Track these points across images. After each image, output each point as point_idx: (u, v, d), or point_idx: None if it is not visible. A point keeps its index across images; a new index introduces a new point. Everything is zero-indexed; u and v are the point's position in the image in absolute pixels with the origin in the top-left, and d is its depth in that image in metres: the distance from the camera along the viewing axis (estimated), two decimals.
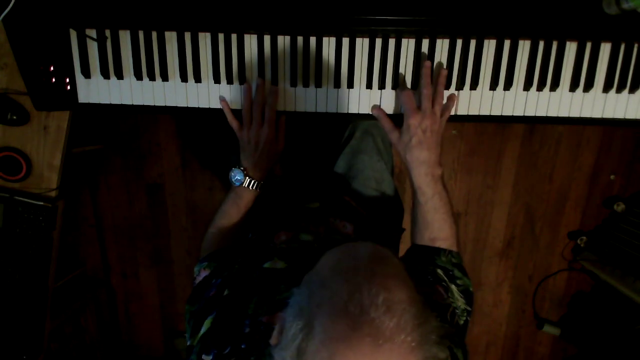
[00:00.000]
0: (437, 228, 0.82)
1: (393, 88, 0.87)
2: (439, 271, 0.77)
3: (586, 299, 2.02)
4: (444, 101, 0.85)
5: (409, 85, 0.87)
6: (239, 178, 0.86)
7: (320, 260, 0.54)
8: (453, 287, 0.76)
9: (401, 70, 0.86)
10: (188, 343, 0.69)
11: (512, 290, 2.04)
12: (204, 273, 0.82)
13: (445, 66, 0.86)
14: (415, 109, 0.81)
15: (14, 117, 1.00)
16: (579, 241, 1.89)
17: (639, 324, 1.75)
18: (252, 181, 0.87)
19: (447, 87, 0.87)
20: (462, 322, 0.72)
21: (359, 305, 0.45)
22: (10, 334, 1.17)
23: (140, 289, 2.04)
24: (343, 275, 0.49)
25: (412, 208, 0.86)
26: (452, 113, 0.88)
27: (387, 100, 0.88)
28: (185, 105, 0.90)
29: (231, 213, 0.89)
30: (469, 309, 0.75)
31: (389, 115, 0.88)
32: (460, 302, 0.74)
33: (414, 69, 0.86)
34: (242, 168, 0.87)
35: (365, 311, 0.45)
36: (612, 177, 1.86)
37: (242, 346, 0.61)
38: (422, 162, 0.81)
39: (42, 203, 1.07)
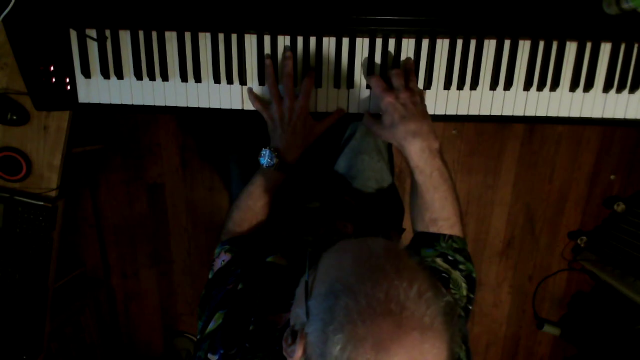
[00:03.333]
0: (438, 207, 0.77)
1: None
2: (438, 260, 0.74)
3: (586, 299, 2.02)
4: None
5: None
6: (268, 160, 0.81)
7: (324, 267, 0.53)
8: (456, 273, 0.73)
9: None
10: (197, 337, 0.69)
11: (512, 290, 2.04)
12: (225, 257, 0.79)
13: (445, 66, 0.85)
14: (387, 88, 0.78)
15: (14, 117, 1.00)
16: (579, 241, 1.89)
17: (639, 324, 1.75)
18: (283, 163, 0.81)
19: (448, 87, 0.87)
20: (462, 309, 0.71)
21: (398, 303, 0.46)
22: (10, 334, 1.17)
23: (140, 289, 2.04)
24: (372, 277, 0.48)
25: (410, 190, 0.82)
26: (453, 113, 0.88)
27: None
28: (185, 105, 0.90)
29: (257, 194, 0.84)
30: (471, 295, 0.73)
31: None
32: (463, 289, 0.73)
33: (413, 69, 0.86)
34: (272, 149, 0.81)
35: (405, 307, 0.46)
36: (612, 177, 1.86)
37: (246, 345, 0.61)
38: (413, 134, 0.73)
39: (42, 203, 1.07)
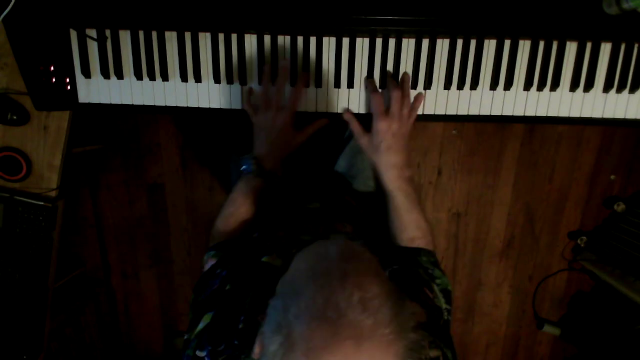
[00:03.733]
0: (414, 227, 0.83)
1: None
2: (421, 271, 0.77)
3: (586, 299, 2.02)
4: (411, 102, 0.85)
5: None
6: (247, 167, 0.85)
7: (292, 265, 0.54)
8: (434, 287, 0.76)
9: (401, 70, 0.86)
10: (185, 337, 0.69)
11: (512, 290, 2.04)
12: (211, 262, 0.81)
13: (445, 66, 0.85)
14: (384, 113, 0.81)
15: (14, 117, 1.00)
16: (579, 241, 1.89)
17: (639, 324, 1.75)
18: (262, 170, 0.85)
19: (448, 87, 0.87)
20: (442, 322, 0.72)
21: (336, 309, 0.45)
22: (10, 333, 1.17)
23: (140, 289, 2.04)
24: (316, 281, 0.48)
25: (387, 211, 0.86)
26: (453, 113, 0.88)
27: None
28: (185, 105, 0.90)
29: (239, 202, 0.88)
30: (449, 307, 0.75)
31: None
32: (441, 302, 0.74)
33: (414, 69, 0.86)
34: (253, 156, 0.85)
35: (343, 314, 0.45)
36: (612, 177, 1.86)
37: (235, 342, 0.62)
38: (392, 166, 0.81)
39: (42, 203, 1.07)
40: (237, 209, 0.88)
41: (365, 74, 0.86)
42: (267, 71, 0.85)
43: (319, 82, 0.87)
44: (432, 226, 0.87)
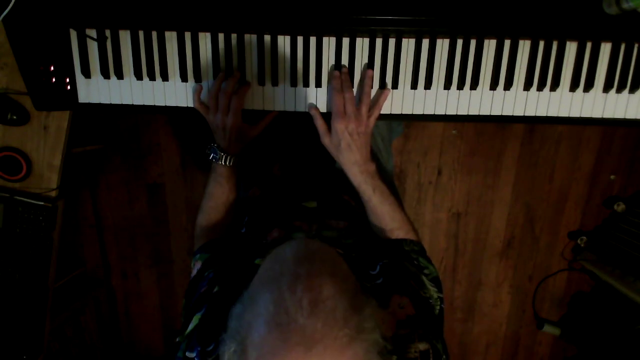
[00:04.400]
0: (389, 219, 0.85)
1: (393, 88, 0.87)
2: (407, 263, 0.78)
3: (586, 299, 2.02)
4: (371, 100, 0.85)
5: (408, 86, 0.87)
6: (214, 155, 0.88)
7: (257, 272, 0.54)
8: (423, 277, 0.76)
9: (401, 70, 0.86)
10: (177, 339, 0.69)
11: (512, 290, 2.04)
12: (198, 265, 0.83)
13: (445, 66, 0.86)
14: (341, 113, 0.82)
15: (14, 117, 1.00)
16: (579, 241, 1.89)
17: (639, 324, 1.75)
18: (227, 156, 0.88)
19: (448, 87, 0.87)
20: (437, 311, 0.73)
21: (285, 315, 0.45)
22: (10, 334, 1.17)
23: (140, 289, 2.04)
24: (268, 287, 0.48)
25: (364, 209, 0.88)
26: (453, 113, 0.88)
27: (386, 100, 0.88)
28: (186, 105, 0.90)
29: (215, 193, 0.91)
30: (441, 296, 0.76)
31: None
32: (432, 292, 0.75)
33: (414, 69, 0.86)
34: (216, 145, 0.89)
35: (292, 319, 0.44)
36: (612, 177, 1.86)
37: None
38: (353, 163, 0.82)
39: (42, 203, 1.07)
40: (216, 201, 0.91)
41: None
42: (220, 77, 0.86)
43: (319, 82, 0.87)
44: (408, 217, 0.88)
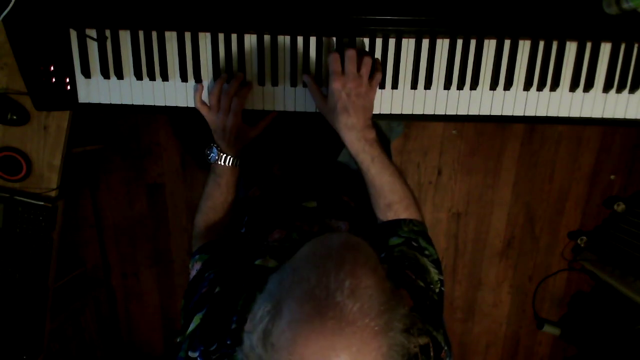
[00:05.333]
0: (388, 191, 0.81)
1: (393, 88, 0.87)
2: (404, 248, 0.76)
3: (586, 299, 2.02)
4: (371, 65, 0.81)
5: (408, 86, 0.87)
6: (213, 155, 0.87)
7: (299, 251, 0.55)
8: (424, 259, 0.75)
9: (401, 70, 0.86)
10: (178, 340, 0.69)
11: (512, 290, 2.04)
12: (197, 266, 0.82)
13: (445, 66, 0.85)
14: (339, 72, 0.78)
15: (14, 117, 1.00)
16: (579, 241, 1.89)
17: (639, 324, 1.75)
18: (227, 157, 0.87)
19: (448, 87, 0.87)
20: (436, 295, 0.72)
21: (325, 290, 0.46)
22: (10, 334, 1.17)
23: (140, 289, 2.04)
24: (314, 262, 0.50)
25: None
26: (453, 113, 0.88)
27: (386, 100, 0.88)
28: (186, 105, 0.90)
29: (214, 194, 0.90)
30: (441, 277, 0.75)
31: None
32: (433, 273, 0.74)
33: (414, 69, 0.86)
34: (215, 145, 0.88)
35: (330, 295, 0.46)
36: (612, 177, 1.86)
37: (228, 341, 0.62)
38: (350, 127, 0.78)
39: (42, 203, 1.07)
40: (215, 201, 0.90)
41: None
42: (223, 77, 0.85)
43: (319, 83, 0.87)
44: (411, 189, 0.84)
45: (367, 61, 0.79)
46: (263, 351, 0.48)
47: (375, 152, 0.79)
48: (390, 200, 0.81)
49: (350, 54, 0.77)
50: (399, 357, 0.49)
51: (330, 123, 0.82)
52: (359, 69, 0.79)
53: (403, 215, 0.82)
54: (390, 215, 0.82)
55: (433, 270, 0.74)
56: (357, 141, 0.79)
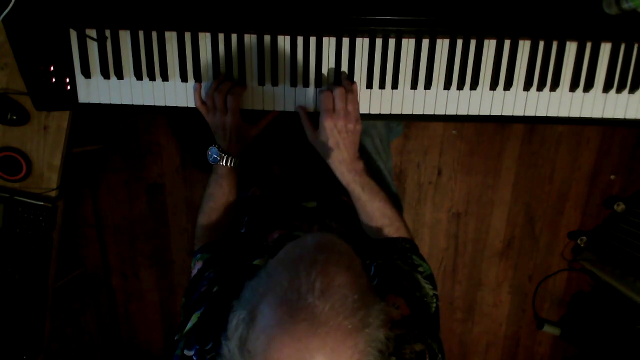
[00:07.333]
0: (380, 216, 0.84)
1: (392, 88, 0.87)
2: (400, 262, 0.78)
3: (586, 299, 2.02)
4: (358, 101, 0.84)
5: (408, 86, 0.87)
6: (215, 156, 0.88)
7: (275, 256, 0.56)
8: (417, 275, 0.76)
9: (401, 70, 0.86)
10: (176, 337, 0.70)
11: (512, 290, 2.04)
12: (199, 265, 0.83)
13: (445, 66, 0.85)
14: (330, 110, 0.81)
15: (14, 117, 1.00)
16: (579, 241, 1.89)
17: (639, 324, 1.75)
18: (228, 157, 0.87)
19: (448, 87, 0.87)
20: (433, 309, 0.73)
21: (297, 292, 0.47)
22: (10, 334, 1.17)
23: (140, 289, 2.04)
24: (286, 266, 0.51)
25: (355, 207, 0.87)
26: (453, 113, 0.88)
27: (386, 100, 0.88)
28: (185, 105, 0.90)
29: (216, 195, 0.90)
30: (436, 293, 0.76)
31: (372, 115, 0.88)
32: (427, 289, 0.75)
33: (413, 69, 0.86)
34: (216, 146, 0.88)
35: (302, 297, 0.46)
36: (612, 177, 1.86)
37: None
38: (341, 161, 0.82)
39: (42, 203, 1.07)
40: (216, 202, 0.90)
41: (365, 73, 0.86)
42: (219, 78, 0.86)
43: (319, 83, 0.87)
44: (399, 213, 0.87)
45: (354, 99, 0.82)
46: (240, 358, 0.49)
47: (364, 181, 0.83)
48: (382, 223, 0.84)
49: (340, 92, 0.80)
50: (377, 353, 0.49)
51: (320, 154, 0.85)
52: (346, 105, 0.81)
53: (395, 235, 0.84)
54: (382, 237, 0.85)
55: (427, 286, 0.75)
56: (347, 173, 0.82)
